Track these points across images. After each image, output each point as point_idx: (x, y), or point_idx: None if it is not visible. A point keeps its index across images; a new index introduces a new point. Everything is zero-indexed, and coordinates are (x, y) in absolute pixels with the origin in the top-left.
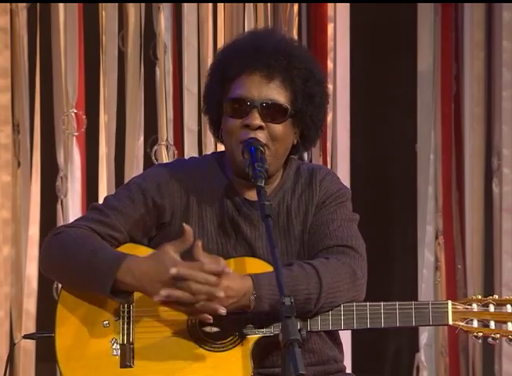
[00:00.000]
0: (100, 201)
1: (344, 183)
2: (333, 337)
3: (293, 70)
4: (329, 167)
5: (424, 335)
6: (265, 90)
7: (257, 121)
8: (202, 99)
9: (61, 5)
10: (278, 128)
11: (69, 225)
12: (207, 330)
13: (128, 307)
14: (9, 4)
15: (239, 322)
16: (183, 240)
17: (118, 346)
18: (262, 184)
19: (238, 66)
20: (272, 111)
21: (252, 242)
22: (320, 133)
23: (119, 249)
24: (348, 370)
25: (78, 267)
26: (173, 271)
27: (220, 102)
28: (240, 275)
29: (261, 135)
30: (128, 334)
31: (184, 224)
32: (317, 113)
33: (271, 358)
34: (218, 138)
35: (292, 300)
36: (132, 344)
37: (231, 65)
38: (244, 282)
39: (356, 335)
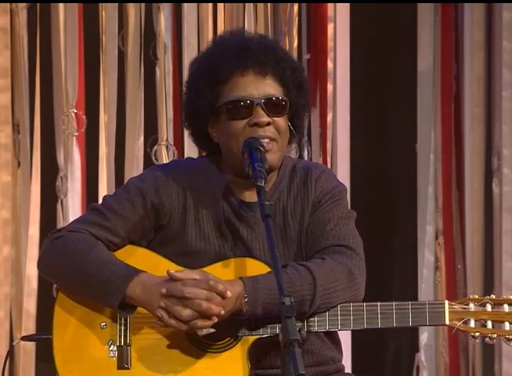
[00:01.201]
0: (99, 201)
1: (344, 183)
2: (332, 336)
3: (282, 63)
4: (329, 167)
5: (424, 335)
6: (263, 87)
7: (264, 117)
8: (185, 107)
9: (61, 5)
10: (282, 121)
11: (69, 229)
12: (203, 331)
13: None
14: (9, 4)
15: (235, 323)
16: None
17: (115, 348)
18: (262, 184)
19: (229, 67)
20: (274, 106)
21: (249, 244)
22: (306, 121)
23: (118, 252)
24: (348, 370)
25: (86, 279)
26: (163, 291)
27: (211, 106)
28: (230, 281)
29: (270, 131)
30: (125, 336)
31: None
32: (306, 100)
33: (269, 359)
34: (205, 149)
35: (292, 300)
36: (129, 346)
37: (221, 67)
38: (235, 287)
39: (356, 335)
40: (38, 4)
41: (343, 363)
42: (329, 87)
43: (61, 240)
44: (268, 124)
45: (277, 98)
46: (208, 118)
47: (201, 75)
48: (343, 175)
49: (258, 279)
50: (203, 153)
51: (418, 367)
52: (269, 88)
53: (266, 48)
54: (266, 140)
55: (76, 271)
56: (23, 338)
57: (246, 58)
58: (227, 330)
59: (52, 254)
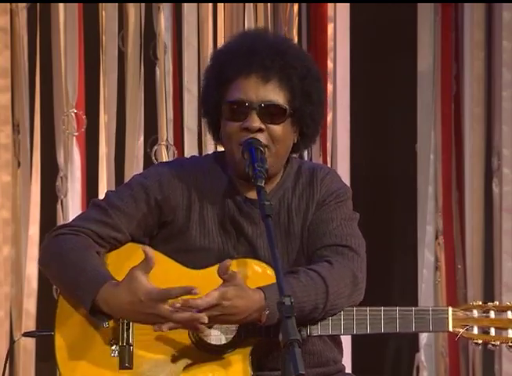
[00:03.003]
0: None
1: (345, 183)
2: (334, 337)
3: (290, 69)
4: (330, 167)
5: (424, 335)
6: (263, 92)
7: (256, 123)
8: (200, 102)
9: (61, 5)
10: (278, 129)
11: (69, 228)
12: (206, 333)
13: None
14: (8, 4)
15: (238, 325)
16: (147, 261)
17: (117, 347)
18: (262, 184)
19: (234, 68)
20: (271, 112)
21: (253, 241)
22: (320, 130)
23: (120, 249)
24: (348, 370)
25: (64, 282)
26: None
27: (218, 105)
28: (252, 289)
29: (262, 138)
30: (128, 336)
31: (144, 248)
32: (316, 110)
33: (270, 361)
34: (218, 140)
35: (292, 300)
36: (131, 345)
37: (227, 68)
38: (255, 298)
39: (356, 335)
40: (38, 4)
41: (343, 363)
42: (329, 87)
43: (58, 239)
44: (260, 130)
45: (275, 105)
46: (217, 114)
47: (211, 71)
48: (343, 175)
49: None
50: (208, 152)
51: (418, 367)
52: (271, 93)
53: (275, 54)
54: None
55: (59, 272)
56: (25, 334)
57: (252, 62)
58: (229, 332)
59: (48, 253)
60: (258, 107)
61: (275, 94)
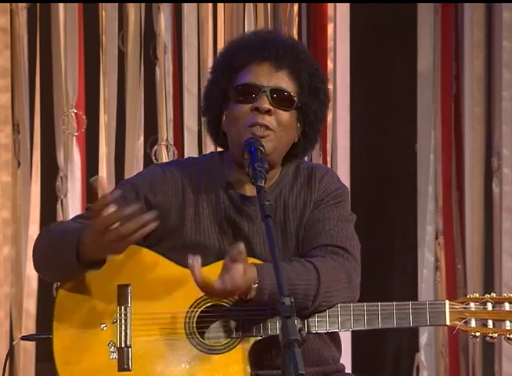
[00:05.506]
0: None
1: (344, 183)
2: (333, 335)
3: (301, 63)
4: (329, 167)
5: (424, 335)
6: (274, 78)
7: (266, 104)
8: (202, 97)
9: (61, 5)
10: (285, 115)
11: (58, 222)
12: (204, 332)
13: (125, 310)
14: (8, 4)
15: (236, 324)
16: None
17: (116, 349)
18: (262, 184)
19: (246, 56)
20: (281, 98)
21: (250, 237)
22: (319, 136)
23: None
24: (348, 370)
25: (51, 251)
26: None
27: (224, 92)
28: (247, 264)
29: (269, 120)
30: (126, 337)
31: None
32: (320, 109)
33: (269, 359)
34: (216, 140)
35: (292, 300)
36: (130, 347)
37: (239, 56)
38: (249, 272)
39: (356, 335)
40: (38, 4)
41: (343, 362)
42: (329, 87)
43: (43, 233)
44: (269, 111)
45: (285, 91)
46: (221, 105)
47: (222, 61)
48: (343, 175)
49: (270, 267)
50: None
51: (418, 367)
52: (281, 81)
53: (288, 46)
54: (263, 128)
55: (47, 248)
56: (23, 338)
57: (265, 50)
58: (228, 331)
59: (37, 248)
60: (269, 91)
61: (285, 82)
